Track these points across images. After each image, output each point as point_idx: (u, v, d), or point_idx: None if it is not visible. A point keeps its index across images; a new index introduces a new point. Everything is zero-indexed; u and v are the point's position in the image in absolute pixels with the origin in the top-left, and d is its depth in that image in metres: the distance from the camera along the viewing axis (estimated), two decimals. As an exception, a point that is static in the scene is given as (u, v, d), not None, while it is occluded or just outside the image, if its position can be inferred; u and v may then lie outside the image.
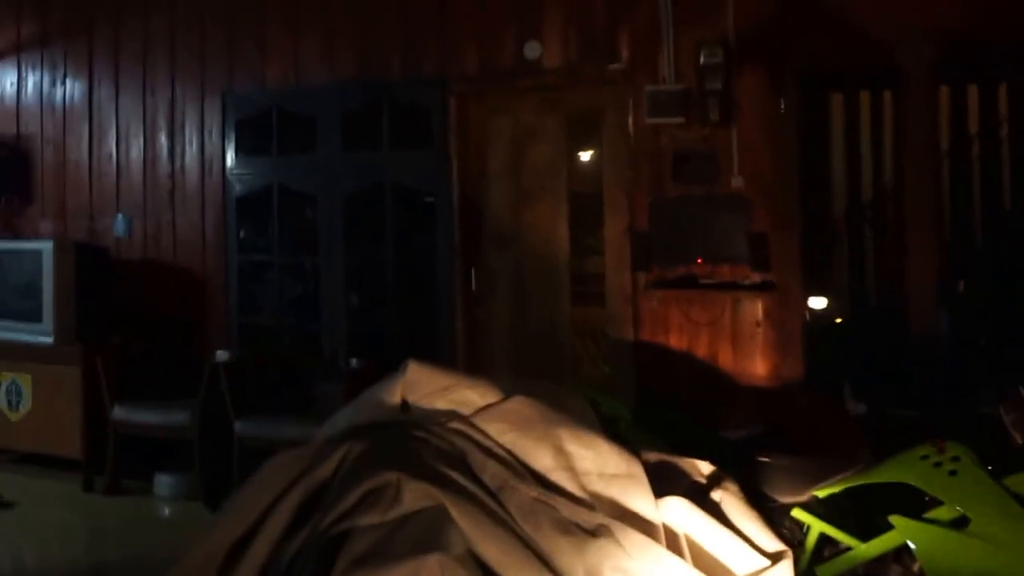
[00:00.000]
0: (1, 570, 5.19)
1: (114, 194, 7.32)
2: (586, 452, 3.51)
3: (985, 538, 3.31)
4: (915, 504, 3.50)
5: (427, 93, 6.25)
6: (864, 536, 3.60)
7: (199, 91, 7.00)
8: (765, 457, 3.89)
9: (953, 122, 5.62)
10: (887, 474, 3.60)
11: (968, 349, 5.04)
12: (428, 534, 3.00)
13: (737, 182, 5.46)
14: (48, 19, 7.62)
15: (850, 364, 5.32)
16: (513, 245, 6.15)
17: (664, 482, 3.56)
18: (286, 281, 6.90)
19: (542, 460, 3.46)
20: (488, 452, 3.42)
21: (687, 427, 4.76)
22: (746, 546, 3.47)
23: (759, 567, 3.44)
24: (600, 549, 3.16)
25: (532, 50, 5.96)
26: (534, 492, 3.30)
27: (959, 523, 3.39)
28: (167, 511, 6.18)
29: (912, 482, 3.50)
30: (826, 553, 3.71)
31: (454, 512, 3.08)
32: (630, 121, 5.73)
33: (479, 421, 3.55)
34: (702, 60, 5.36)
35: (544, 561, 3.11)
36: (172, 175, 7.10)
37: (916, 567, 3.47)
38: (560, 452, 3.48)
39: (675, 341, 5.59)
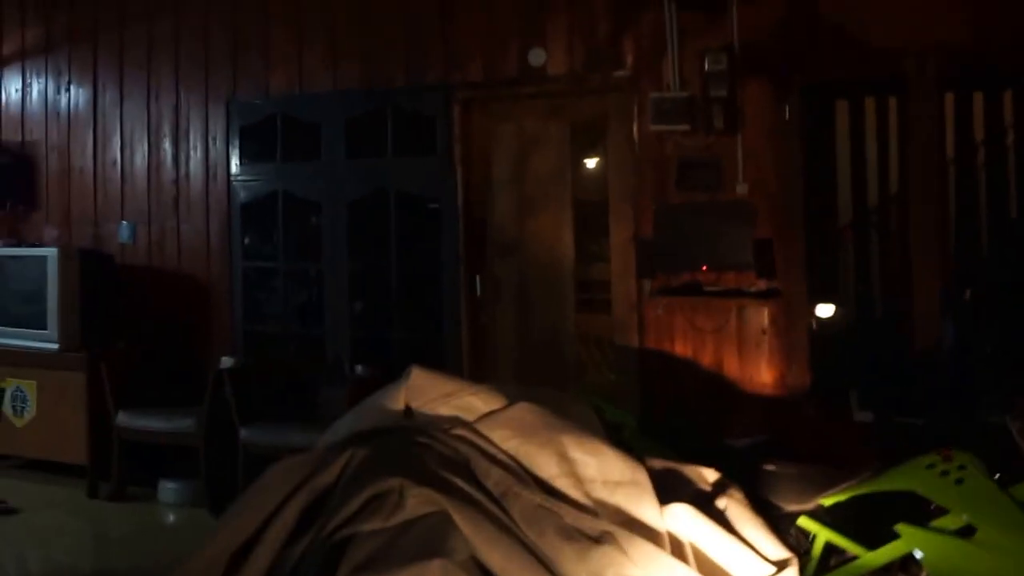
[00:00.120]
0: (5, 576, 5.20)
1: (119, 201, 7.34)
2: (590, 459, 3.49)
3: (991, 547, 3.30)
4: (921, 513, 3.48)
5: (431, 100, 6.26)
6: (870, 545, 3.58)
7: (203, 98, 7.01)
8: (771, 465, 3.87)
9: (958, 130, 5.61)
10: (893, 482, 3.58)
11: (974, 357, 5.02)
12: (431, 540, 2.99)
13: (742, 189, 5.46)
14: (53, 26, 7.64)
15: (856, 372, 5.30)
16: (518, 252, 6.15)
17: (669, 490, 3.55)
18: (290, 288, 6.91)
19: (546, 467, 3.44)
20: (492, 458, 3.40)
21: (692, 435, 4.75)
22: (751, 554, 3.45)
23: (764, 575, 3.42)
24: (604, 556, 3.14)
25: (537, 57, 5.97)
26: (538, 499, 3.28)
27: (965, 532, 3.37)
28: (172, 518, 6.18)
29: (918, 491, 3.49)
30: (832, 562, 3.69)
31: (457, 518, 3.06)
32: (635, 128, 5.73)
33: (483, 427, 3.53)
34: (707, 67, 5.36)
35: (548, 568, 3.09)
36: (176, 182, 7.11)
37: (922, 576, 3.46)
38: (564, 459, 3.47)
39: (680, 348, 5.58)
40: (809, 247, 5.49)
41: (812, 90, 5.48)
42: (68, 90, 7.58)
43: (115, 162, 7.37)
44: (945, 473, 3.47)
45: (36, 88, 7.73)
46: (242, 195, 6.90)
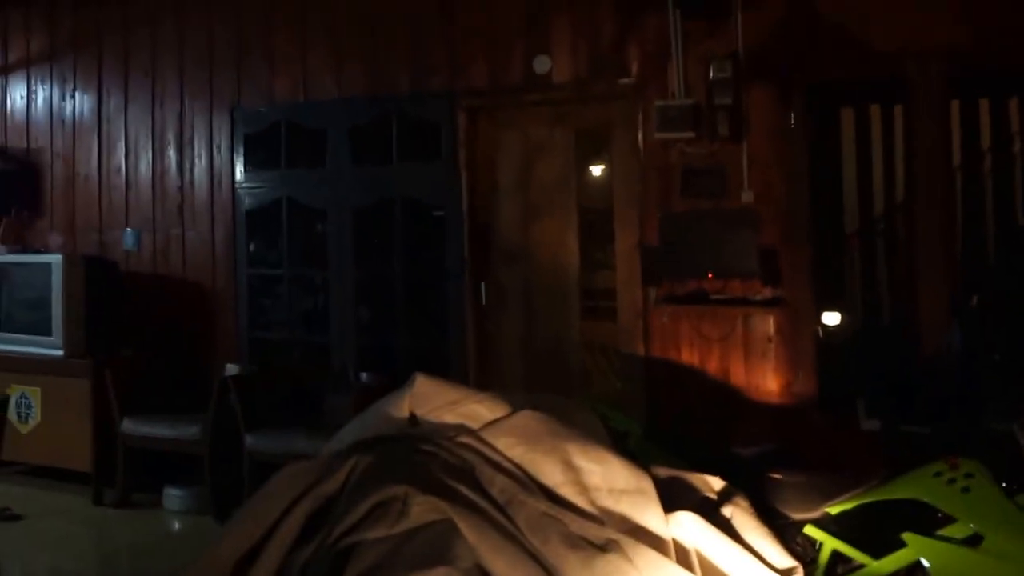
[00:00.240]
0: (9, 584, 5.19)
1: (123, 208, 7.35)
2: (595, 467, 3.49)
3: (998, 556, 3.28)
4: (928, 521, 3.47)
5: (436, 107, 6.26)
6: (877, 553, 3.56)
7: (208, 105, 7.02)
8: (777, 473, 3.86)
9: (965, 136, 5.60)
10: (900, 491, 3.57)
11: (981, 365, 5.00)
12: (435, 548, 2.99)
13: (747, 197, 5.44)
14: (57, 34, 7.67)
15: (862, 380, 5.28)
16: (523, 259, 6.14)
17: (674, 498, 3.54)
18: (295, 295, 6.91)
19: (551, 474, 3.44)
20: (496, 466, 3.40)
21: (698, 443, 4.74)
22: (757, 562, 3.44)
23: (771, 583, 3.41)
24: (609, 564, 3.13)
25: (541, 64, 5.97)
26: (543, 506, 3.28)
27: (972, 540, 3.35)
28: (177, 525, 6.17)
29: (925, 499, 3.47)
30: (839, 570, 3.67)
31: (462, 526, 3.06)
32: (639, 136, 5.72)
33: (487, 435, 3.53)
34: (711, 75, 5.35)
35: (552, 576, 3.09)
36: (181, 189, 7.12)
37: (929, 585, 3.44)
38: (569, 467, 3.46)
39: (686, 356, 5.57)
40: (815, 255, 5.47)
41: (816, 94, 5.46)
42: (72, 97, 7.60)
43: (120, 169, 7.38)
44: (952, 481, 3.46)
45: (41, 95, 7.75)
46: (247, 202, 6.90)
